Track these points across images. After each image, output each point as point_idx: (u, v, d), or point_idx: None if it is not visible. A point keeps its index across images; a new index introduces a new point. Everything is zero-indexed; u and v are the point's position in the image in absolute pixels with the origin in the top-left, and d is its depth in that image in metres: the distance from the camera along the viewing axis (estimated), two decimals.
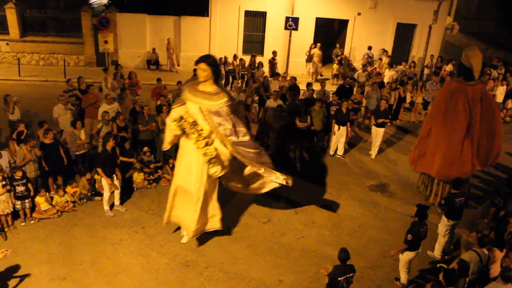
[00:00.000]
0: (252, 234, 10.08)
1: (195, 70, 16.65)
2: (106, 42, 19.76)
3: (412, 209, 8.34)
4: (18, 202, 9.84)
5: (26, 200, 9.96)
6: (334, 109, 13.72)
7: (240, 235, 10.03)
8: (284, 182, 8.91)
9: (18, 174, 9.74)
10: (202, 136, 8.40)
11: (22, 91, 17.43)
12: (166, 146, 9.32)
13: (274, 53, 20.74)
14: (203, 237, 9.72)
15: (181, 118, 8.50)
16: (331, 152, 14.06)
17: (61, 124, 12.65)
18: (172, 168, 12.11)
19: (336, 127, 13.53)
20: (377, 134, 13.88)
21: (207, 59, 8.66)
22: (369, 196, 12.02)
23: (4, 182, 9.47)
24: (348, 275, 7.01)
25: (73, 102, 13.61)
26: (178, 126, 8.49)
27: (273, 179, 8.93)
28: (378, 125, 13.75)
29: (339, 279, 6.92)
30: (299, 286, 8.58)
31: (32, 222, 10.10)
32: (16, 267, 8.63)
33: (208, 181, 8.79)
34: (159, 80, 15.30)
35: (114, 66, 17.18)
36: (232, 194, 11.59)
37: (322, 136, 14.26)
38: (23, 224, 10.02)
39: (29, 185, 10.03)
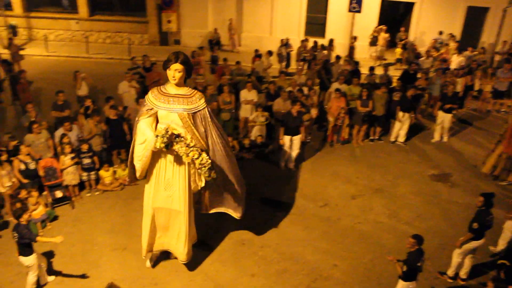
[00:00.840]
0: (308, 217, 10.06)
1: (256, 50, 16.97)
2: (169, 21, 20.16)
3: (478, 199, 8.00)
4: (85, 174, 10.31)
5: (92, 172, 10.42)
6: (398, 95, 13.36)
7: (296, 217, 10.03)
8: (235, 216, 8.36)
9: (85, 147, 10.18)
10: (190, 146, 6.92)
11: (90, 68, 18.11)
12: (141, 175, 7.61)
13: (355, 38, 20.20)
14: (258, 218, 9.83)
15: (167, 130, 6.78)
16: (392, 139, 13.73)
17: (125, 100, 13.06)
18: (232, 148, 12.24)
19: (400, 113, 13.20)
20: (444, 120, 13.48)
21: (180, 58, 7.09)
22: (429, 185, 11.66)
23: (73, 155, 9.94)
24: (423, 259, 7.02)
25: (137, 79, 13.99)
26: (166, 140, 6.72)
27: (234, 208, 8.32)
28: (446, 111, 13.33)
29: (418, 264, 6.90)
30: (353, 272, 8.50)
31: (97, 193, 10.55)
32: (82, 234, 9.07)
33: (191, 193, 7.76)
34: (225, 60, 15.39)
35: None
36: (288, 176, 11.64)
37: (383, 122, 13.91)
38: (88, 194, 10.49)
39: (95, 158, 10.47)
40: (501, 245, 9.09)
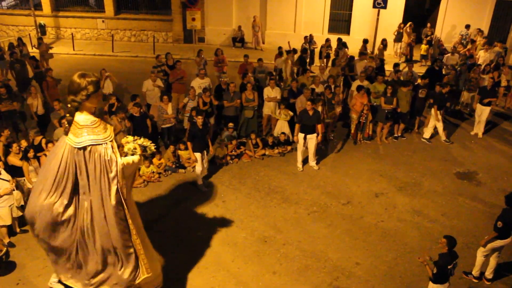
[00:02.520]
0: (331, 215, 10.02)
1: (279, 48, 16.95)
2: (193, 19, 20.23)
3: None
4: None
5: None
6: (424, 92, 13.22)
7: (319, 215, 10.00)
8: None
9: None
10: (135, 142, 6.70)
11: (115, 66, 18.39)
12: None
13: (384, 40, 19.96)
14: (281, 216, 9.86)
15: (121, 146, 6.57)
16: (427, 136, 13.63)
17: (149, 98, 13.24)
18: (256, 145, 12.30)
19: (433, 110, 13.12)
20: (483, 112, 13.48)
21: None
22: (455, 183, 11.47)
23: None
24: (455, 262, 6.87)
25: (161, 77, 14.14)
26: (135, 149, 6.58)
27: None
28: (485, 104, 13.38)
29: (448, 267, 6.78)
30: (376, 270, 8.43)
31: None
32: None
33: None
34: (246, 56, 15.42)
35: None
36: (310, 173, 11.61)
37: (408, 119, 13.74)
38: None
39: None
40: None
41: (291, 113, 12.63)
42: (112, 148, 6.18)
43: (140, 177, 10.94)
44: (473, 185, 11.44)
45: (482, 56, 17.65)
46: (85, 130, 5.95)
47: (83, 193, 6.15)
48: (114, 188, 6.15)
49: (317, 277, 8.21)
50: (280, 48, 17.01)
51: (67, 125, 6.04)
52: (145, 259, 6.67)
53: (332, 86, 13.33)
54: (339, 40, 18.61)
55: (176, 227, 9.44)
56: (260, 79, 14.51)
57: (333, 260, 8.63)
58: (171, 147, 11.68)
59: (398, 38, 21.33)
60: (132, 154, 6.54)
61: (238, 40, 23.11)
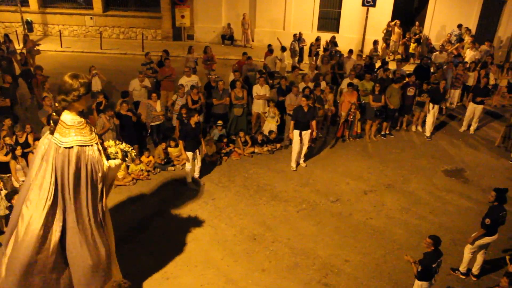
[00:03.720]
0: (320, 212, 10.05)
1: (269, 45, 16.96)
2: (183, 17, 20.17)
3: (491, 194, 7.93)
4: None
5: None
6: (412, 90, 13.32)
7: (308, 212, 10.03)
8: None
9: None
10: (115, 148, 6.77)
11: (103, 63, 18.24)
12: None
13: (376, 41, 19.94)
14: (270, 213, 9.88)
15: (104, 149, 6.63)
16: (428, 134, 13.78)
17: (135, 96, 13.19)
18: (245, 143, 12.29)
19: (430, 105, 13.35)
20: (475, 111, 13.67)
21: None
22: (443, 181, 11.57)
23: None
24: (439, 260, 6.92)
25: (150, 74, 14.07)
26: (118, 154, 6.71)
27: None
28: (477, 102, 13.57)
29: (433, 265, 6.83)
30: (365, 267, 8.48)
31: None
32: None
33: None
34: (245, 54, 15.34)
35: None
36: (300, 171, 11.63)
37: (395, 117, 13.81)
38: None
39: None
40: None
41: (278, 113, 12.60)
42: (99, 151, 6.23)
43: (129, 175, 10.88)
44: (460, 182, 11.54)
45: (469, 55, 17.79)
46: (73, 131, 5.97)
47: (61, 192, 6.05)
48: (100, 187, 6.25)
49: (306, 275, 8.24)
50: (270, 45, 17.01)
51: (52, 124, 6.02)
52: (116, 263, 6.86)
53: (324, 83, 13.36)
54: (332, 38, 18.68)
55: (165, 225, 9.42)
56: (250, 77, 14.49)
57: (322, 258, 8.66)
58: (163, 145, 11.63)
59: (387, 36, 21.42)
60: (114, 158, 6.59)
61: (227, 38, 23.06)
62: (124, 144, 6.85)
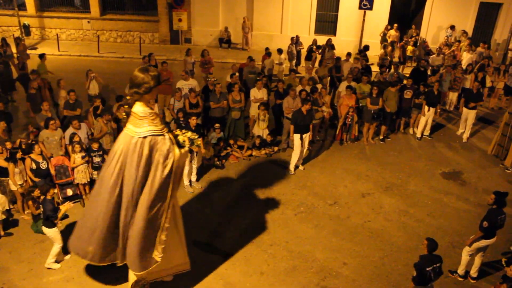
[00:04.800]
0: (318, 215, 10.05)
1: (267, 48, 16.98)
2: (180, 20, 20.22)
3: (490, 196, 7.93)
4: (95, 172, 10.36)
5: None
6: (409, 93, 13.35)
7: (306, 215, 10.03)
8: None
9: (95, 146, 10.25)
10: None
11: (101, 67, 18.24)
12: None
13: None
14: (268, 216, 9.87)
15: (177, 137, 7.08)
16: (418, 135, 13.85)
17: None
18: (241, 147, 12.30)
19: (426, 108, 13.37)
20: (468, 116, 13.58)
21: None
22: (440, 183, 11.59)
23: (83, 154, 10.02)
24: (435, 265, 6.85)
25: None
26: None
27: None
28: (470, 108, 13.50)
29: (427, 269, 6.78)
30: (363, 270, 8.48)
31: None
32: None
33: None
34: (249, 58, 15.30)
35: None
36: (298, 174, 11.63)
37: (391, 120, 13.83)
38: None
39: (105, 156, 10.52)
40: None
41: (268, 116, 12.60)
42: (170, 139, 6.69)
43: None
44: (458, 184, 11.56)
45: (466, 57, 17.85)
46: (146, 121, 6.46)
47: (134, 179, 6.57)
48: (166, 174, 6.60)
49: (304, 277, 8.23)
50: (267, 49, 17.03)
51: (125, 116, 6.55)
52: (162, 244, 6.97)
53: (319, 87, 13.38)
54: (328, 41, 18.69)
55: None
56: (248, 80, 14.49)
57: (320, 260, 8.66)
58: None
59: (384, 40, 21.46)
60: (182, 146, 6.96)
61: (224, 41, 23.10)
62: (190, 133, 7.18)
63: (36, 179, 9.53)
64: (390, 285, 8.14)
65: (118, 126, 11.10)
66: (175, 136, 6.99)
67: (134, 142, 6.45)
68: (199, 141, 7.29)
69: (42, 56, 15.12)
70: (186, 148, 7.01)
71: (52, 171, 9.83)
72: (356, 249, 9.02)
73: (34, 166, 9.50)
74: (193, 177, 11.00)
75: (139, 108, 6.47)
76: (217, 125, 12.31)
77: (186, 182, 10.80)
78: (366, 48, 17.89)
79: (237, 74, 13.90)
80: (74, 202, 10.07)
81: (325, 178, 11.62)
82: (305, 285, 8.07)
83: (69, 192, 10.05)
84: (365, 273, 8.40)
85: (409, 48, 20.43)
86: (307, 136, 11.46)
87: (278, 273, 8.32)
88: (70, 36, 24.02)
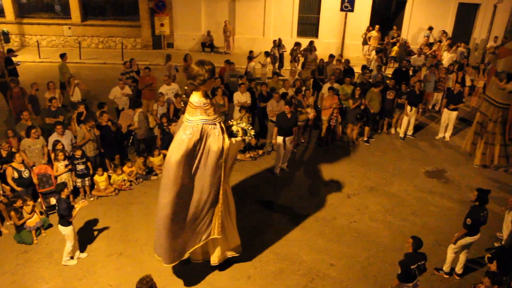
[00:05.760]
0: (304, 217, 10.05)
1: (251, 52, 16.99)
2: (162, 25, 20.10)
3: (473, 193, 8.04)
4: (79, 180, 10.28)
5: (86, 178, 10.39)
6: (392, 93, 13.46)
7: (292, 218, 10.03)
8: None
9: (78, 153, 10.16)
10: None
11: (83, 73, 18.10)
12: None
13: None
14: (254, 219, 9.86)
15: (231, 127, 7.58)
16: (401, 135, 14.00)
17: (120, 105, 13.13)
18: None
19: (408, 108, 13.52)
20: (450, 117, 13.74)
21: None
22: (424, 182, 11.70)
23: (66, 162, 9.91)
24: (419, 263, 6.91)
25: (130, 83, 13.99)
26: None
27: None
28: (451, 109, 13.65)
29: (411, 267, 6.83)
30: (350, 271, 8.51)
31: (91, 199, 10.51)
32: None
33: None
34: (227, 62, 15.30)
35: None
36: (283, 177, 11.64)
37: (374, 121, 13.94)
38: (83, 201, 10.44)
39: (89, 163, 10.45)
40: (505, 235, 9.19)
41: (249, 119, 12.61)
42: (221, 129, 7.09)
43: (111, 186, 10.78)
44: (441, 183, 11.68)
45: (446, 57, 18.07)
46: (199, 111, 6.87)
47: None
48: (215, 161, 7.02)
49: (292, 280, 8.23)
50: (251, 52, 17.05)
51: (182, 105, 7.05)
52: (220, 224, 7.51)
53: (303, 89, 13.43)
54: (311, 43, 18.76)
55: (149, 235, 9.31)
56: (231, 83, 14.49)
57: (307, 262, 8.67)
58: (142, 158, 11.54)
59: (366, 41, 21.65)
60: (235, 136, 7.41)
61: (207, 45, 23.08)
62: (244, 123, 7.63)
63: (19, 189, 9.41)
64: (378, 285, 8.18)
65: (101, 133, 11.01)
66: (229, 126, 7.50)
67: (188, 129, 6.89)
68: (252, 132, 7.68)
69: (63, 56, 15.48)
70: (239, 138, 7.42)
71: (35, 180, 9.71)
72: (342, 250, 9.05)
73: (16, 175, 9.39)
74: None
75: (194, 98, 6.91)
76: None
77: None
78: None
79: (218, 79, 13.87)
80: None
81: (310, 180, 11.64)
82: None
83: (53, 200, 9.90)
84: (352, 274, 8.43)
85: (395, 48, 20.63)
86: (290, 139, 11.49)
87: (266, 276, 8.31)
88: (51, 43, 23.78)
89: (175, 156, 6.81)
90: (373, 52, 20.03)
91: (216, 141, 6.98)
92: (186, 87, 7.01)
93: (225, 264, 8.31)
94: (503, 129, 11.80)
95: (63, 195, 8.25)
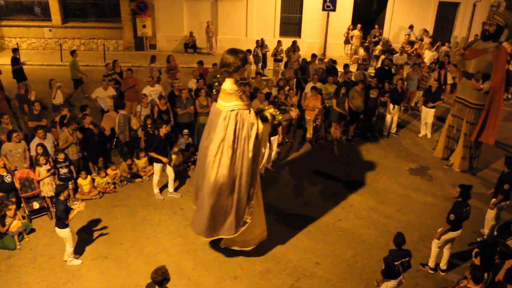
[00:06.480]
0: (289, 217, 10.08)
1: None
2: (144, 26, 19.97)
3: (456, 190, 8.13)
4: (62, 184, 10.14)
5: (69, 182, 10.26)
6: (375, 92, 13.53)
7: (278, 217, 10.04)
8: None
9: (61, 157, 10.03)
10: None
11: (65, 76, 17.81)
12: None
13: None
14: None
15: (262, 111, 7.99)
16: (385, 133, 14.13)
17: (105, 107, 13.04)
18: None
19: (391, 106, 13.66)
20: (427, 115, 13.86)
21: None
22: (408, 179, 11.81)
23: (48, 167, 9.77)
24: (403, 260, 6.96)
25: (112, 85, 13.88)
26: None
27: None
28: (429, 107, 13.75)
29: (395, 263, 6.89)
30: (336, 269, 8.55)
31: (75, 203, 10.37)
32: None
33: None
34: (199, 63, 15.27)
35: None
36: (268, 176, 11.66)
37: (358, 120, 14.01)
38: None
39: (72, 167, 10.33)
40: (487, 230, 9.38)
41: None
42: (255, 113, 7.61)
43: (95, 189, 10.68)
44: (425, 180, 11.80)
45: (428, 55, 18.26)
46: (233, 97, 7.36)
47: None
48: (252, 145, 7.52)
49: (278, 279, 8.25)
50: None
51: (215, 93, 7.50)
52: (252, 208, 8.03)
53: (286, 89, 13.46)
54: (294, 43, 18.79)
55: (135, 238, 9.27)
56: (213, 84, 14.42)
57: (293, 262, 8.69)
58: (128, 161, 11.46)
59: (348, 40, 21.79)
60: (266, 121, 7.84)
61: (190, 46, 22.99)
62: (272, 109, 8.02)
63: (0, 194, 9.27)
64: (363, 282, 8.23)
65: (84, 136, 10.90)
66: (260, 111, 7.88)
67: (224, 115, 7.35)
68: (280, 117, 8.08)
69: (73, 53, 15.80)
70: (268, 123, 7.90)
71: (17, 185, 9.57)
72: (328, 249, 9.10)
73: None
74: (171, 188, 10.81)
75: (228, 85, 7.38)
76: (185, 130, 12.23)
77: (156, 190, 10.68)
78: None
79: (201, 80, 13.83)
80: (41, 215, 9.89)
81: (295, 179, 11.68)
82: (279, 287, 8.08)
83: (36, 205, 9.80)
84: (338, 272, 8.48)
85: (378, 47, 20.76)
86: (275, 139, 11.51)
87: (252, 276, 8.31)
88: (31, 45, 23.46)
89: (215, 142, 7.40)
90: (361, 50, 20.15)
91: (252, 126, 7.47)
92: (218, 75, 7.48)
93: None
94: (471, 130, 11.75)
95: (62, 197, 8.20)
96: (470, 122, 11.63)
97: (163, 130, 10.32)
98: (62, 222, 8.11)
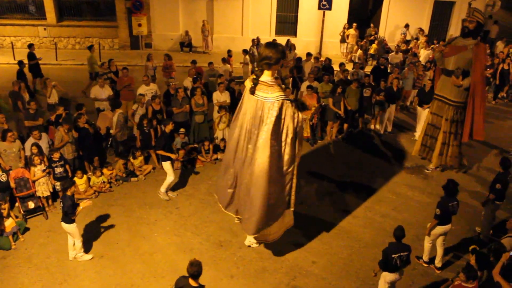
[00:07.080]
0: None
1: (229, 51, 16.96)
2: (139, 25, 19.92)
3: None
4: (58, 183, 10.10)
5: (65, 181, 10.21)
6: (368, 91, 13.57)
7: None
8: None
9: (56, 156, 9.99)
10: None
11: (60, 75, 17.84)
12: None
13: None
14: (236, 219, 9.82)
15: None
16: (381, 131, 14.17)
17: (98, 104, 13.01)
18: (208, 151, 12.21)
19: (386, 104, 13.73)
20: (421, 115, 13.73)
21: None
22: (404, 178, 11.84)
23: (43, 167, 9.72)
24: (401, 253, 7.00)
25: (108, 84, 13.84)
26: None
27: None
28: (424, 108, 13.60)
29: (392, 256, 6.93)
30: (332, 268, 8.57)
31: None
32: (57, 245, 8.92)
33: None
34: (193, 62, 15.28)
35: None
36: None
37: (353, 118, 14.04)
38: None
39: (67, 166, 10.29)
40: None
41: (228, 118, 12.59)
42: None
43: (91, 188, 10.65)
44: (420, 178, 11.83)
45: (423, 54, 18.30)
46: (276, 88, 7.50)
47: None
48: (298, 135, 7.72)
49: (274, 278, 8.26)
50: (229, 51, 17.02)
51: (252, 85, 7.53)
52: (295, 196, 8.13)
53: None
54: (287, 42, 18.80)
55: (130, 237, 9.26)
56: (210, 83, 14.43)
57: (289, 260, 8.70)
58: (123, 160, 11.43)
59: (344, 39, 21.81)
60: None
61: (186, 45, 22.97)
62: (301, 100, 8.32)
63: None
64: (359, 281, 8.25)
65: (80, 135, 10.86)
66: (295, 101, 7.94)
67: (268, 106, 7.40)
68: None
69: (90, 48, 16.33)
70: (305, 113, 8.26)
71: (12, 184, 9.52)
72: (324, 247, 9.11)
73: None
74: (163, 188, 10.74)
75: (267, 77, 7.49)
76: (182, 130, 12.20)
77: (163, 189, 10.58)
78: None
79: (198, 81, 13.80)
80: (37, 215, 9.85)
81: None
82: (275, 286, 8.09)
83: (31, 204, 9.75)
84: (334, 271, 8.50)
85: (373, 46, 20.81)
86: None
87: (248, 275, 8.31)
88: (26, 44, 23.24)
89: (266, 133, 7.43)
90: (356, 49, 20.18)
91: (294, 115, 7.56)
92: (256, 69, 7.63)
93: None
94: (460, 129, 11.65)
95: (69, 192, 8.26)
96: (449, 119, 11.54)
97: (169, 126, 10.28)
98: (68, 218, 8.16)
